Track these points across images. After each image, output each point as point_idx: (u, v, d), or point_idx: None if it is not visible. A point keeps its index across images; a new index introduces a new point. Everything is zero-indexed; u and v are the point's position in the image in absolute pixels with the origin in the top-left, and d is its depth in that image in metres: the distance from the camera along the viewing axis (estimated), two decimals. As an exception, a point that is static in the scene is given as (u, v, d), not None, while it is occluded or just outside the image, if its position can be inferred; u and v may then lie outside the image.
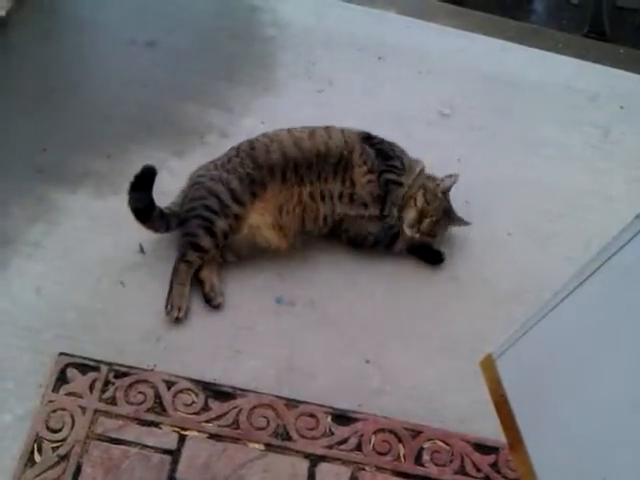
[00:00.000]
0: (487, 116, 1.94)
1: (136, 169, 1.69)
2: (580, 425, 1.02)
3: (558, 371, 1.12)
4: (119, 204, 1.63)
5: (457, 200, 1.78)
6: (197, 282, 1.57)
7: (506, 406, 1.22)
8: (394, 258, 1.69)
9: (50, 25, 1.94)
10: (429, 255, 1.70)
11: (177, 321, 1.52)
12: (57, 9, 1.98)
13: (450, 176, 1.69)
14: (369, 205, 1.65)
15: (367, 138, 1.70)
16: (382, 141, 1.71)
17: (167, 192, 1.65)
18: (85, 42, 1.94)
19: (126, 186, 1.65)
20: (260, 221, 1.60)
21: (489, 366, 1.30)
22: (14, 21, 1.91)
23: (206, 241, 1.55)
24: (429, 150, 1.85)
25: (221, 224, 1.55)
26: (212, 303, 1.56)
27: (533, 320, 1.18)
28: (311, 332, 1.56)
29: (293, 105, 1.88)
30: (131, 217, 1.56)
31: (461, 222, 1.70)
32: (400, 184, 1.66)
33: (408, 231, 1.65)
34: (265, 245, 1.62)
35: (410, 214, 1.66)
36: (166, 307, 1.53)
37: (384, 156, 1.67)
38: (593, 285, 1.00)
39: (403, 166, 1.69)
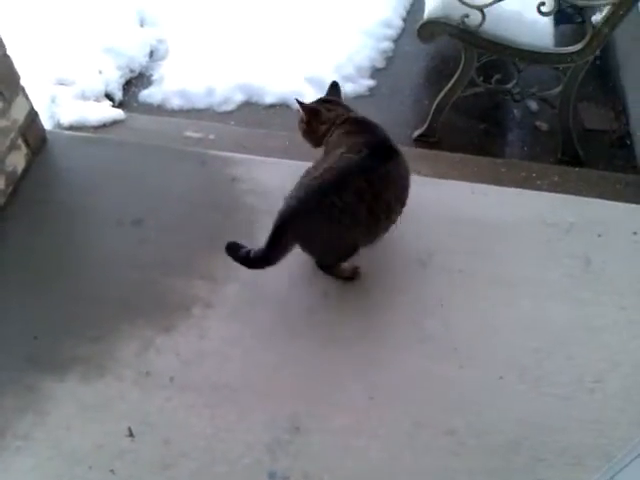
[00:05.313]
0: (465, 259, 1.98)
1: (123, 351, 1.74)
2: None
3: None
4: (106, 388, 1.67)
5: (444, 346, 1.80)
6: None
7: None
8: (380, 415, 1.67)
9: (41, 214, 2.05)
10: None
11: None
12: (48, 198, 2.11)
13: None
14: None
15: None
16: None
17: (153, 372, 1.69)
18: (74, 227, 2.03)
19: (112, 368, 1.69)
20: None
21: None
22: (7, 214, 2.04)
23: None
24: (410, 296, 1.90)
25: None
26: None
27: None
28: (307, 507, 1.52)
29: (276, 269, 1.92)
30: (118, 400, 1.61)
31: None
32: None
33: None
34: None
35: None
36: None
37: None
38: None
39: None
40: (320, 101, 1.95)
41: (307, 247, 1.78)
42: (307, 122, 1.89)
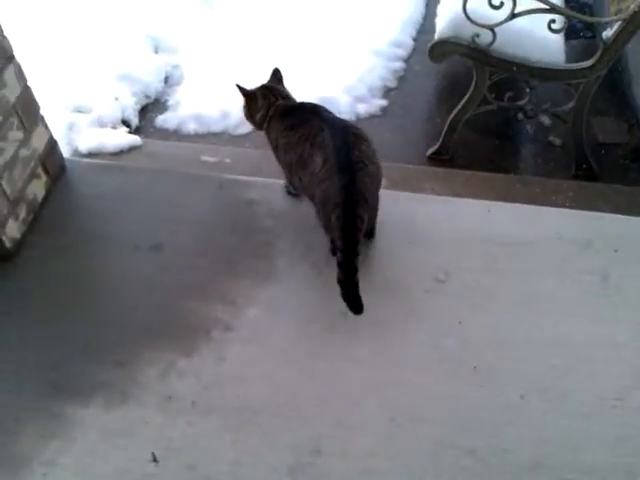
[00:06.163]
0: (482, 277, 1.98)
1: (145, 375, 1.75)
2: None
3: None
4: (129, 413, 1.68)
5: (464, 365, 1.80)
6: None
7: None
8: (401, 437, 1.67)
9: (60, 242, 2.08)
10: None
11: None
12: (67, 227, 2.14)
13: None
14: None
15: None
16: None
17: (175, 397, 1.70)
18: (93, 253, 2.06)
19: (135, 393, 1.71)
20: None
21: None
22: (27, 242, 2.07)
23: None
24: (429, 315, 1.90)
25: None
26: None
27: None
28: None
29: (294, 291, 1.95)
30: (141, 425, 1.61)
31: None
32: None
33: None
34: None
35: None
36: None
37: None
38: None
39: None
40: (261, 87, 2.10)
41: (373, 210, 1.89)
42: (246, 106, 2.10)
